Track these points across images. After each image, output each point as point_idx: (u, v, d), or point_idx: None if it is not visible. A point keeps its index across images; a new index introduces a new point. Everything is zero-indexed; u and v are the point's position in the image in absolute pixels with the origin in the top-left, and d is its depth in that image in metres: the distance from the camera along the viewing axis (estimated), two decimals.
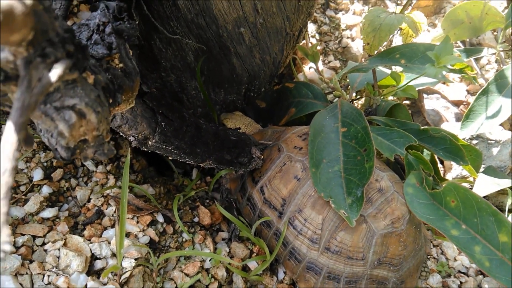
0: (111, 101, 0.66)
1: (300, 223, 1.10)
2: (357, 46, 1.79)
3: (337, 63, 1.77)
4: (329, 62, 1.78)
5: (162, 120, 0.98)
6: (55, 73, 0.42)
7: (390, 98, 1.58)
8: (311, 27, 1.82)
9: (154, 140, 0.99)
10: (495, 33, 1.95)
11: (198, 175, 1.32)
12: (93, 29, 0.69)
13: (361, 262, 1.06)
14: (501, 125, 1.64)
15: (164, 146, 1.01)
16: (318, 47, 1.79)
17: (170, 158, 1.07)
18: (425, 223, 1.36)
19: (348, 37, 1.81)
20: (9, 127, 0.38)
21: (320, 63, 1.76)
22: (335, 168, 1.10)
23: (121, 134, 0.99)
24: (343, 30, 1.82)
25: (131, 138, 0.98)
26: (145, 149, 1.02)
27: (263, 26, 1.22)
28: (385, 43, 1.35)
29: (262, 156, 1.21)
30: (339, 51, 1.80)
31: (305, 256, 1.10)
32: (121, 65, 0.71)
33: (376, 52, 1.30)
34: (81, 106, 0.53)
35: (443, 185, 1.09)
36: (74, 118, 0.53)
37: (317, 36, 1.81)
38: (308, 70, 1.66)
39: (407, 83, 1.33)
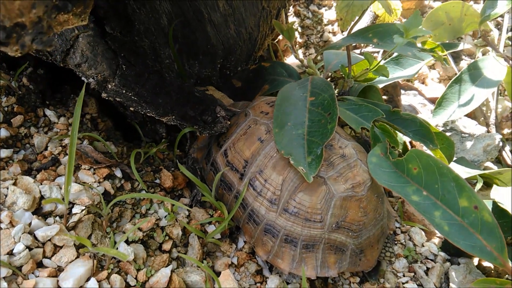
0: (57, 2, 0.66)
1: (260, 184, 1.08)
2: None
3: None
4: (310, 54, 1.80)
5: (124, 63, 0.97)
6: None
7: None
8: (294, 21, 1.84)
9: (113, 84, 0.98)
10: (475, 40, 1.98)
11: (163, 142, 1.31)
12: None
13: (319, 224, 1.03)
14: (477, 120, 1.65)
15: (124, 91, 0.99)
16: (300, 40, 1.81)
17: (131, 108, 1.06)
18: (387, 189, 1.35)
19: (329, 32, 1.83)
20: None
21: (300, 54, 1.78)
22: (299, 131, 1.09)
23: (81, 75, 0.98)
24: (325, 25, 1.85)
25: (91, 80, 0.97)
26: (105, 94, 1.00)
27: None
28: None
29: (229, 122, 1.20)
30: (320, 45, 1.82)
31: (264, 218, 1.07)
32: None
33: (349, 28, 1.31)
34: None
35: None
36: None
37: (299, 29, 1.83)
38: (288, 55, 1.67)
39: (377, 64, 1.34)
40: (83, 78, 0.98)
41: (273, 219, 1.06)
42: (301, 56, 1.78)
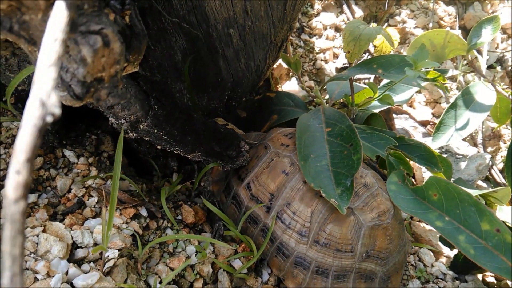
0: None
1: (289, 216, 1.09)
2: (330, 68, 1.87)
3: (311, 83, 1.84)
4: (304, 82, 1.84)
5: (155, 103, 0.97)
6: None
7: None
8: (300, 53, 1.89)
9: (146, 124, 0.97)
10: (454, 63, 2.10)
11: (180, 176, 1.30)
12: None
13: (349, 254, 1.06)
14: (467, 141, 1.74)
15: (155, 131, 0.99)
16: None
17: (159, 147, 1.05)
18: (410, 220, 1.40)
19: (322, 60, 1.89)
20: (60, 4, 0.37)
21: (294, 81, 1.82)
22: (323, 162, 1.11)
23: (111, 118, 0.97)
24: (317, 53, 1.91)
25: (122, 121, 0.96)
26: (135, 134, 0.99)
27: (251, 30, 1.26)
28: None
29: (249, 155, 1.21)
30: (313, 72, 1.88)
31: (294, 250, 1.08)
32: (130, 24, 0.71)
33: (355, 60, 1.37)
34: (107, 31, 0.52)
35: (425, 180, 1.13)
36: (99, 43, 0.52)
37: (293, 55, 1.88)
38: (289, 82, 1.71)
39: (383, 93, 1.40)
40: (111, 120, 0.97)
41: (304, 251, 1.07)
42: (296, 83, 1.83)
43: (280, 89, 1.76)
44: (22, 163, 0.32)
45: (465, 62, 1.87)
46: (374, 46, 1.62)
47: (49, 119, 0.34)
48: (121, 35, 0.62)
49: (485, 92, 1.55)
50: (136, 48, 0.73)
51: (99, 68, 0.56)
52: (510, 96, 1.61)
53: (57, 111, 0.34)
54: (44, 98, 0.34)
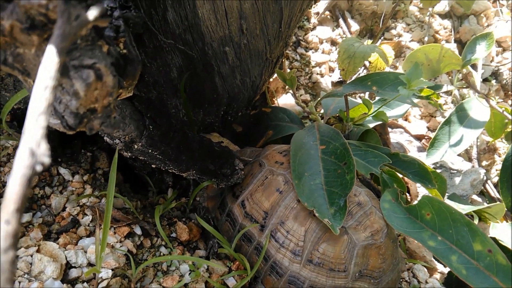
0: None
1: (283, 235, 1.09)
2: (326, 82, 1.88)
3: (307, 97, 1.85)
4: (300, 95, 1.85)
5: (150, 123, 0.98)
6: (92, 13, 0.43)
7: None
8: (295, 69, 1.90)
9: (140, 144, 0.97)
10: (449, 77, 2.12)
11: (175, 193, 1.30)
12: None
13: (343, 274, 1.06)
14: (461, 156, 1.75)
15: (150, 151, 0.99)
16: None
17: (153, 166, 1.06)
18: (404, 235, 1.40)
19: (317, 73, 1.90)
20: (51, 50, 0.38)
21: (290, 95, 1.83)
22: (317, 181, 1.12)
23: (106, 137, 0.97)
24: (313, 67, 1.92)
25: (117, 141, 0.96)
26: (129, 154, 1.00)
27: (246, 48, 1.27)
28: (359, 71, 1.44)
29: (243, 172, 1.21)
30: (309, 86, 1.89)
31: (287, 269, 1.08)
32: (125, 51, 0.72)
33: (350, 77, 1.38)
34: (100, 65, 0.53)
35: (418, 199, 1.14)
36: (92, 77, 0.53)
37: (288, 71, 1.89)
38: (285, 95, 1.72)
39: (378, 109, 1.41)
40: (106, 139, 0.97)
41: (297, 271, 1.07)
42: (293, 98, 1.84)
43: (276, 102, 1.77)
44: (11, 213, 0.33)
45: (460, 76, 1.89)
46: (369, 62, 1.64)
47: (39, 168, 0.34)
48: (115, 67, 0.63)
49: (479, 108, 1.56)
50: (131, 74, 0.74)
51: (92, 100, 0.57)
52: (504, 112, 1.62)
53: (47, 160, 0.35)
54: (34, 147, 0.34)
